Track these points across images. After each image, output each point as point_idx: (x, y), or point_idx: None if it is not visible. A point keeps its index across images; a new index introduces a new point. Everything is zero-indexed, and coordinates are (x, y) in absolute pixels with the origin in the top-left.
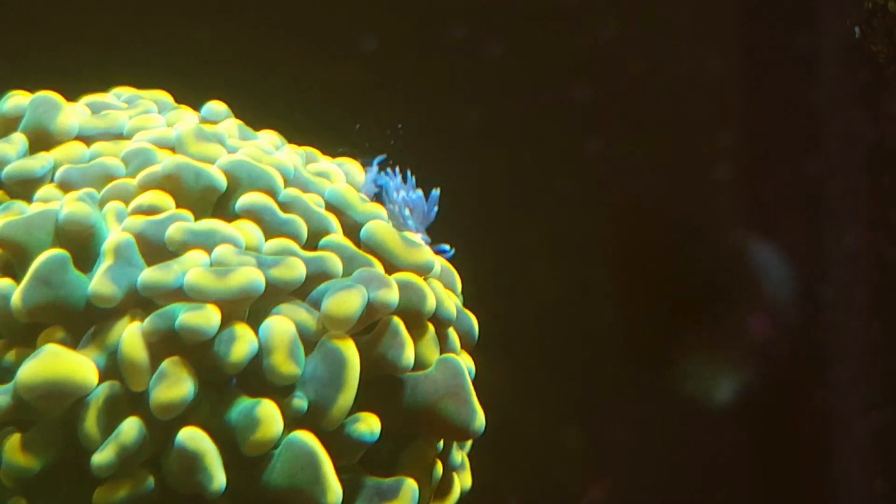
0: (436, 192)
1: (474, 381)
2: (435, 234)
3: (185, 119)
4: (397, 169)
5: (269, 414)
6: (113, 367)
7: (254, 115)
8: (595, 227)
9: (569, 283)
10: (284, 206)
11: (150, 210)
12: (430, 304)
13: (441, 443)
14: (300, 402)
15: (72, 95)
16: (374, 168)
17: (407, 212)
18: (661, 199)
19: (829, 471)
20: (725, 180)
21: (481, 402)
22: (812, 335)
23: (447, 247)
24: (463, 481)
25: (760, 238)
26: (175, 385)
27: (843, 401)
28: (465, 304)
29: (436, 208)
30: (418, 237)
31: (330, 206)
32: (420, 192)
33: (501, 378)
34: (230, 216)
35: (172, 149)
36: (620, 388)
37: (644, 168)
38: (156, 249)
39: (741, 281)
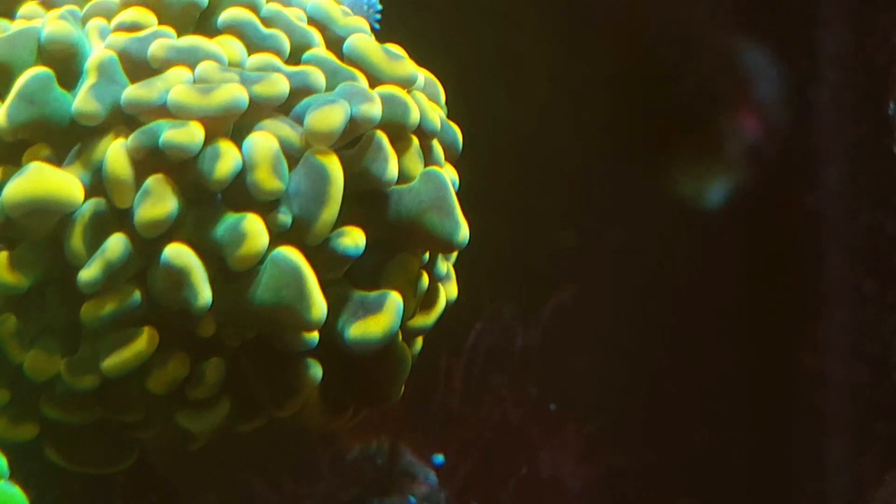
0: None
1: (458, 193)
2: (420, 44)
3: None
4: None
5: (255, 228)
6: (98, 184)
7: None
8: (586, 31)
9: (557, 90)
10: (266, 21)
11: (133, 27)
12: (414, 116)
13: (426, 255)
14: (284, 217)
15: None
16: None
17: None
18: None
19: (820, 272)
20: None
21: (465, 214)
22: (802, 136)
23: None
24: (449, 292)
25: (751, 39)
26: (159, 202)
27: (832, 202)
28: (448, 116)
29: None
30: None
31: (312, 21)
32: None
33: (487, 188)
34: (212, 32)
35: None
36: (611, 191)
37: None
38: (139, 66)
39: (733, 82)
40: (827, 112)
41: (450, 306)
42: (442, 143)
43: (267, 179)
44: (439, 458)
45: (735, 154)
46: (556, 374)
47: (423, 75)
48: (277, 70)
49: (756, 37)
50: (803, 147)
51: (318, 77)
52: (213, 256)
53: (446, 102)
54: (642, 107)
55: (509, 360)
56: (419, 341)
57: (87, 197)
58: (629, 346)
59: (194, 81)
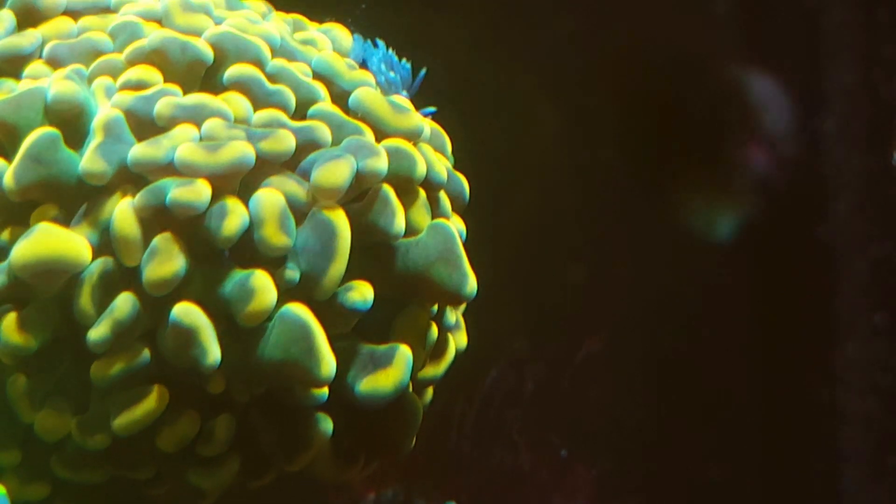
0: (407, 65)
1: (465, 244)
2: (426, 90)
3: None
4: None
5: (263, 284)
6: (106, 243)
7: None
8: (593, 66)
9: (564, 129)
10: (272, 77)
11: (139, 85)
12: (421, 169)
13: (435, 306)
14: (292, 273)
15: None
16: (359, 40)
17: (392, 73)
18: (659, 34)
19: (830, 304)
20: (724, 14)
21: (474, 260)
22: (811, 168)
23: (432, 108)
24: (458, 341)
25: (759, 72)
26: (167, 261)
27: (842, 234)
28: (454, 166)
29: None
30: (405, 99)
31: (317, 75)
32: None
33: (494, 235)
34: (218, 88)
35: (159, 21)
36: (622, 226)
37: (642, 3)
38: (145, 125)
39: (741, 115)
40: (836, 144)
41: (459, 355)
42: (449, 193)
43: (274, 235)
44: None
45: (744, 186)
46: (567, 416)
47: (428, 126)
48: (283, 126)
49: (764, 69)
50: (813, 179)
51: (324, 132)
52: (222, 313)
53: (452, 152)
54: (651, 140)
55: (520, 404)
56: (429, 391)
57: (94, 256)
58: (640, 383)
59: (201, 139)
